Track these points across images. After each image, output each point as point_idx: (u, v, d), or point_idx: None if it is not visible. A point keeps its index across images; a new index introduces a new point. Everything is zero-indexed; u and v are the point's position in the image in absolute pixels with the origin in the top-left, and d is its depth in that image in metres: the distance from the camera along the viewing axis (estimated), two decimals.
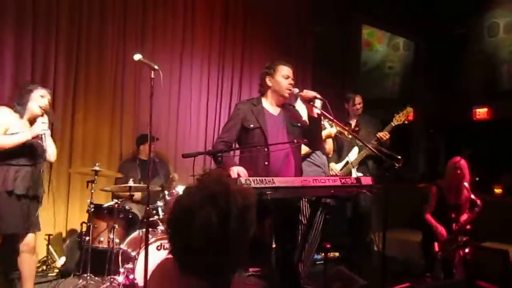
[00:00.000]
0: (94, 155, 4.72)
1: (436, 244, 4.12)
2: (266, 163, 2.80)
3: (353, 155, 4.52)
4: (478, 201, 4.01)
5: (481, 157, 6.61)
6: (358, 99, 4.75)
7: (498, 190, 6.54)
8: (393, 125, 4.39)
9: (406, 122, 4.48)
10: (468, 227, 4.05)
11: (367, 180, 2.72)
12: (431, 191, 4.35)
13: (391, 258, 4.44)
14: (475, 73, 8.39)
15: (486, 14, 8.21)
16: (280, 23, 6.18)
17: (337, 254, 4.97)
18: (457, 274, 3.98)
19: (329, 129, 4.06)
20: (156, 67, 2.59)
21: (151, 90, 2.59)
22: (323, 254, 3.09)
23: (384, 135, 4.35)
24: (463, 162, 4.18)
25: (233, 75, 5.84)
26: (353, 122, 4.73)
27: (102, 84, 4.87)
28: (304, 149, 3.79)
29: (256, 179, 2.31)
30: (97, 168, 3.89)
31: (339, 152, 4.64)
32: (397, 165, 2.77)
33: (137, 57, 2.64)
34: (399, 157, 2.80)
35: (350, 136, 4.20)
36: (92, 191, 3.91)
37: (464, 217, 4.14)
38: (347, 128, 3.31)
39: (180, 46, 5.41)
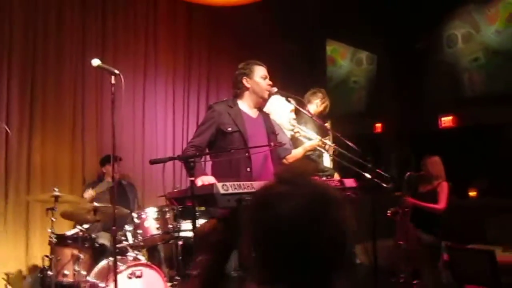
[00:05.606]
0: (54, 181, 4.34)
1: None
2: (248, 169, 2.63)
3: (326, 162, 4.27)
4: None
5: (451, 164, 6.63)
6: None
7: (472, 193, 6.59)
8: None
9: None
10: None
11: (350, 182, 2.59)
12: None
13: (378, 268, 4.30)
14: (438, 83, 8.55)
15: (444, 26, 8.44)
16: (247, 38, 6.08)
17: None
18: (444, 278, 3.89)
19: (310, 141, 3.70)
20: (116, 71, 2.38)
21: (112, 97, 2.37)
22: None
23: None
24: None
25: (199, 91, 5.68)
26: None
27: (61, 103, 4.60)
28: None
29: (234, 184, 2.12)
30: (57, 193, 3.53)
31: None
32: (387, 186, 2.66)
33: (96, 62, 2.42)
34: (389, 176, 2.69)
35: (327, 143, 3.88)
36: (53, 219, 3.55)
37: None
38: (328, 128, 3.07)
39: (143, 60, 5.21)
